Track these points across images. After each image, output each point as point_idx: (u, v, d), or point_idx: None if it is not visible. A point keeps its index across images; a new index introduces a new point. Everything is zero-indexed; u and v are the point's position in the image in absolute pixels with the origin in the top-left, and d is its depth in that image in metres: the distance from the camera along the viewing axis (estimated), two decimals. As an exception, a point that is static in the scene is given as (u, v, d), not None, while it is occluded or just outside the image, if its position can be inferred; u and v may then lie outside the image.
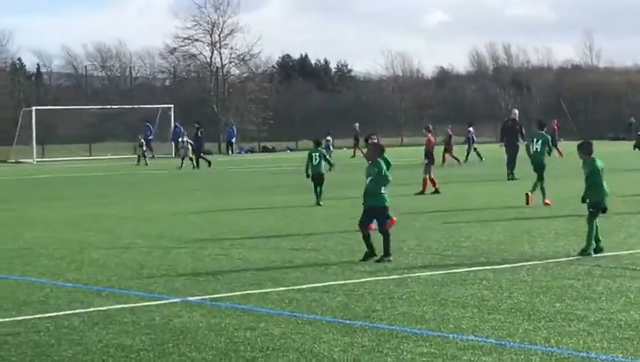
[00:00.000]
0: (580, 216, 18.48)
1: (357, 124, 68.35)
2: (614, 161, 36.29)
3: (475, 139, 54.45)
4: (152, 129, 70.38)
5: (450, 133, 49.68)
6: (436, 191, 29.59)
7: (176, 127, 70.11)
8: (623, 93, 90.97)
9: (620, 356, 9.42)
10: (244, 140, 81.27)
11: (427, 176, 29.92)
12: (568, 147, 48.65)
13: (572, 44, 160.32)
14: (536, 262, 15.46)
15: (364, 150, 17.48)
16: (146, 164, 57.23)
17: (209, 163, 53.78)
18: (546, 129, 30.95)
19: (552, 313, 11.48)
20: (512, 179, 34.25)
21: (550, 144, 28.95)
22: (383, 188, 16.29)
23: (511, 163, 35.15)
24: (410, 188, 29.85)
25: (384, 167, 16.47)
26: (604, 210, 16.47)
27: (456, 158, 47.34)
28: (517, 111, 39.86)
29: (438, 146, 35.44)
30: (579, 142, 17.81)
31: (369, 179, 16.43)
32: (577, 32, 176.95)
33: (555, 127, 63.75)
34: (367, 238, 16.18)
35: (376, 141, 18.60)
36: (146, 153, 60.57)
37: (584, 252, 15.95)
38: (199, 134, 55.17)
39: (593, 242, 16.03)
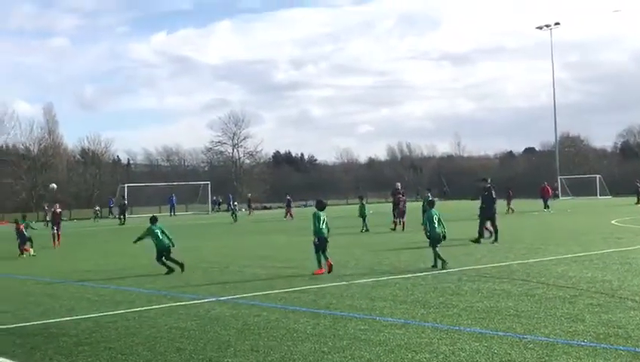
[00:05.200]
0: (449, 246, 18.48)
1: (288, 196, 53.55)
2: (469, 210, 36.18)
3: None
4: (174, 199, 69.21)
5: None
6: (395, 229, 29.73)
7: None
8: (477, 171, 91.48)
9: (478, 328, 9.42)
10: (254, 202, 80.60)
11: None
12: (443, 204, 48.17)
13: (447, 142, 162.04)
14: (428, 273, 15.43)
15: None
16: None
17: (121, 221, 52.12)
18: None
19: (437, 303, 11.46)
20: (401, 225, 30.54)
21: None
22: (326, 226, 16.14)
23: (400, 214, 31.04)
24: (348, 229, 29.70)
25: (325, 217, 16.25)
26: (440, 241, 16.34)
27: None
28: (399, 184, 34.69)
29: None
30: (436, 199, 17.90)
31: (324, 222, 16.16)
32: (450, 135, 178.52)
33: (550, 189, 50.26)
34: (318, 254, 16.06)
35: (322, 200, 16.84)
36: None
37: (443, 264, 15.95)
38: (125, 202, 56.25)
39: (439, 259, 16.08)
